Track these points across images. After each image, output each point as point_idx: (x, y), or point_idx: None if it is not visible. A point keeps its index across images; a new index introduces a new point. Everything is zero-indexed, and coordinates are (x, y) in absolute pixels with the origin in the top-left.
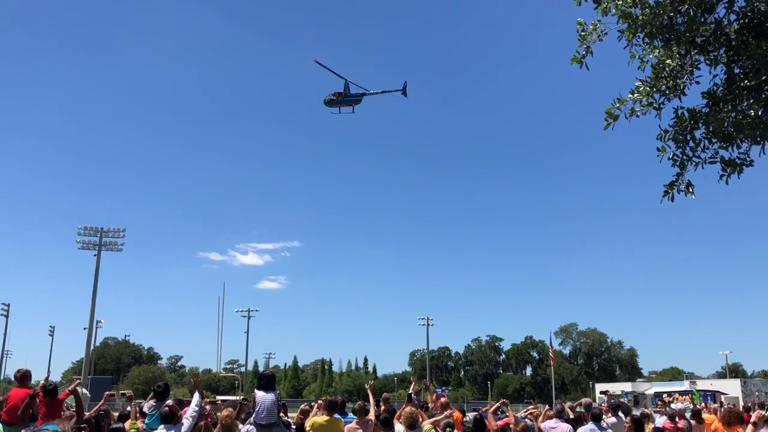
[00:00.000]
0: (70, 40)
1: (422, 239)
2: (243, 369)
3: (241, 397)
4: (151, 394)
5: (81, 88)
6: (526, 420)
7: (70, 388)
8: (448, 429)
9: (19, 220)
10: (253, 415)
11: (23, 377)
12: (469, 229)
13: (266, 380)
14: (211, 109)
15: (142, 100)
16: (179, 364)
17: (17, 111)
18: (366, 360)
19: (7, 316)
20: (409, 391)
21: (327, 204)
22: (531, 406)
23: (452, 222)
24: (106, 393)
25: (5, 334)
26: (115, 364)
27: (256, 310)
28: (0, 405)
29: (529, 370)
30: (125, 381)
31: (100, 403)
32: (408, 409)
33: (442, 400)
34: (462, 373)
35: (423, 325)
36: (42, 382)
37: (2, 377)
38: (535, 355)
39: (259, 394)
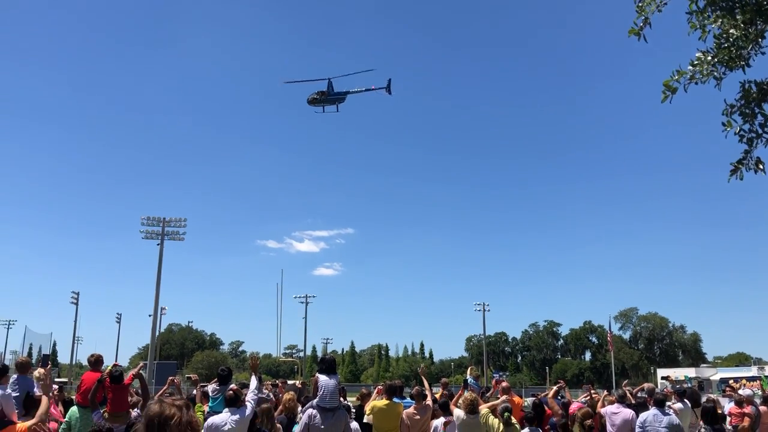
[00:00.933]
0: (128, 36)
1: (477, 226)
2: (302, 354)
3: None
4: (215, 378)
5: (142, 82)
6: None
7: (134, 372)
8: (506, 414)
9: (86, 213)
10: (316, 399)
11: (96, 362)
12: (525, 215)
13: (328, 364)
14: (267, 102)
15: (201, 94)
16: (240, 349)
17: (81, 107)
18: (422, 345)
19: (77, 305)
20: (467, 377)
21: (380, 191)
22: (592, 391)
23: (507, 209)
24: (170, 378)
25: (76, 322)
26: (179, 350)
27: (314, 297)
28: (76, 388)
29: (588, 355)
30: (189, 366)
31: (165, 387)
32: (467, 394)
33: (503, 384)
34: (519, 358)
35: (479, 310)
36: (110, 368)
37: (75, 362)
38: (594, 340)
39: (322, 378)
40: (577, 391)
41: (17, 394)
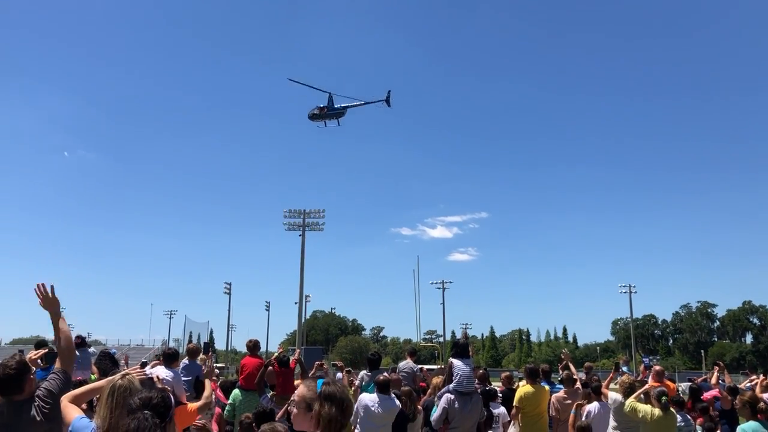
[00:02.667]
0: (255, 37)
1: (619, 205)
2: (441, 339)
3: (440, 366)
4: (359, 362)
5: (271, 85)
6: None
7: (295, 358)
8: (663, 398)
9: (235, 208)
10: (453, 383)
11: (254, 347)
12: (672, 195)
13: (461, 348)
14: (397, 90)
15: (330, 88)
16: (381, 334)
17: (222, 112)
18: (565, 329)
19: (230, 294)
20: (620, 362)
21: (514, 174)
22: (761, 376)
23: (653, 189)
24: (317, 362)
25: (229, 310)
26: (323, 335)
27: (450, 282)
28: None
29: (749, 338)
30: (334, 351)
31: (313, 371)
32: (625, 377)
33: (657, 368)
34: (670, 341)
35: (624, 292)
36: (276, 353)
37: (230, 348)
38: (755, 321)
39: (457, 363)
40: (737, 376)
41: (189, 378)
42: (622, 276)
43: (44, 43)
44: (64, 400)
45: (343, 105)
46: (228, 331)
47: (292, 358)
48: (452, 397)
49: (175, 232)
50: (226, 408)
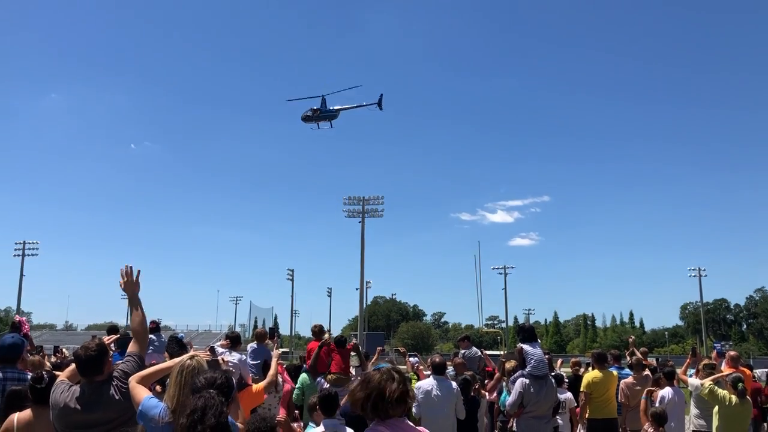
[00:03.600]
0: (318, 21)
1: (688, 185)
2: (503, 325)
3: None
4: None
5: (331, 74)
6: None
7: (351, 343)
8: (740, 384)
9: (297, 195)
10: (527, 368)
11: (319, 331)
12: (742, 174)
13: (528, 333)
14: (448, 74)
15: (383, 74)
16: (443, 320)
17: (282, 103)
18: (631, 314)
19: (292, 281)
20: (694, 345)
21: (576, 155)
22: None
23: (722, 168)
24: (379, 348)
25: (292, 296)
26: (385, 321)
27: (512, 267)
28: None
29: None
30: (396, 336)
31: (375, 357)
32: (707, 360)
33: (731, 353)
34: (744, 326)
35: (694, 276)
36: (330, 335)
37: (293, 333)
38: None
39: (527, 347)
40: None
41: (257, 361)
42: (691, 259)
43: (109, 38)
44: (132, 381)
45: (336, 107)
46: (291, 316)
47: (349, 344)
48: (527, 381)
49: (240, 221)
50: (295, 391)
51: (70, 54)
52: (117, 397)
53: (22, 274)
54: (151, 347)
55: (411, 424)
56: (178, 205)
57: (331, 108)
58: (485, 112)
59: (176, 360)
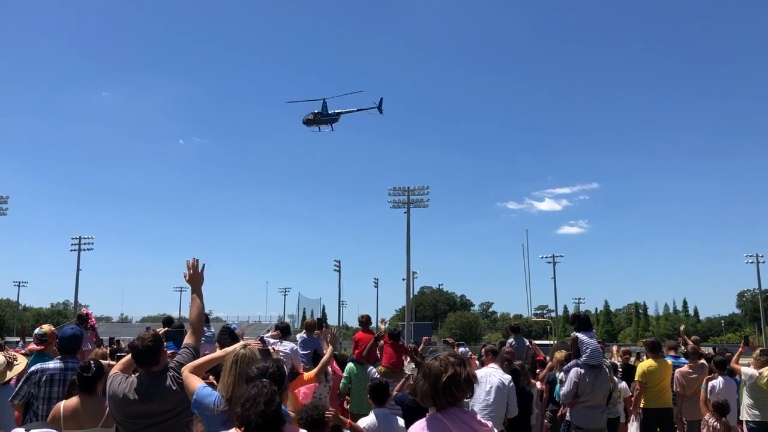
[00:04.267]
0: (357, 16)
1: (743, 170)
2: (553, 314)
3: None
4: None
5: (375, 66)
6: None
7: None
8: None
9: (342, 187)
10: (583, 357)
11: (366, 321)
12: None
13: (583, 321)
14: (494, 63)
15: (428, 63)
16: (490, 310)
17: (326, 96)
18: (685, 302)
19: (339, 271)
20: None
21: (626, 141)
22: None
23: None
24: (425, 338)
25: (339, 287)
26: (432, 311)
27: (561, 256)
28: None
29: None
30: (443, 326)
31: (421, 346)
32: (761, 349)
33: None
34: None
35: (751, 262)
36: (385, 327)
37: (341, 324)
38: None
39: (582, 336)
40: None
41: (307, 351)
42: (748, 245)
43: (157, 36)
44: (185, 371)
45: (336, 111)
46: (339, 307)
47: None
48: (582, 371)
49: (287, 213)
50: (342, 381)
51: (119, 53)
52: (174, 388)
53: (78, 269)
54: (202, 338)
55: (472, 413)
56: (226, 199)
57: (332, 112)
58: (530, 100)
59: (228, 349)
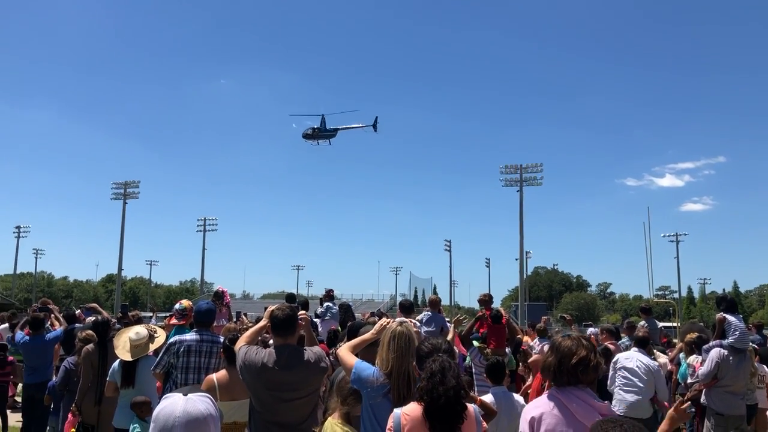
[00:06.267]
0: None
1: None
2: (675, 295)
3: (678, 324)
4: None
5: (488, 46)
6: None
7: (506, 316)
8: None
9: (453, 165)
10: (731, 338)
11: (489, 300)
12: None
13: (729, 303)
14: (613, 33)
15: (543, 33)
16: (608, 290)
17: (441, 77)
18: None
19: (450, 251)
20: None
21: (755, 108)
22: None
23: None
24: (544, 317)
25: (450, 266)
26: (546, 292)
27: (685, 234)
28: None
29: None
30: (558, 307)
31: (541, 325)
32: None
33: None
34: None
35: None
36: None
37: (453, 304)
38: None
39: (731, 317)
40: None
41: (432, 328)
42: None
43: (270, 23)
44: (341, 351)
45: (333, 127)
46: (450, 287)
47: (503, 318)
48: (725, 352)
49: (397, 193)
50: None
51: (237, 41)
52: (312, 361)
53: (204, 248)
54: (328, 314)
55: (593, 394)
56: (339, 179)
57: (330, 128)
58: (648, 71)
59: (377, 328)
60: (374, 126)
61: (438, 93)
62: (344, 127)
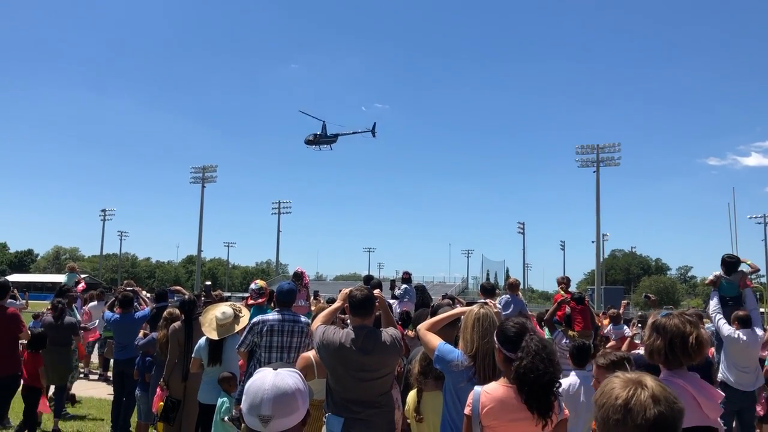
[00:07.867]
0: None
1: None
2: (763, 279)
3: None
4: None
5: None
6: None
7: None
8: None
9: (526, 146)
10: None
11: (568, 282)
12: None
13: None
14: (691, 4)
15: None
16: (689, 274)
17: (512, 58)
18: None
19: (523, 233)
20: None
21: None
22: None
23: None
24: (624, 302)
25: (524, 249)
26: (624, 275)
27: None
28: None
29: None
30: (637, 291)
31: (621, 310)
32: None
33: None
34: None
35: None
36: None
37: (526, 287)
38: None
39: None
40: None
41: (510, 311)
42: None
43: (340, 9)
44: (422, 329)
45: (334, 133)
46: (524, 269)
47: (586, 297)
48: None
49: (468, 174)
50: None
51: (308, 27)
52: (389, 343)
53: (278, 231)
54: (406, 297)
55: (704, 381)
56: (408, 161)
57: (330, 134)
58: (734, 46)
59: (460, 309)
60: (372, 132)
61: (510, 71)
62: (344, 132)
